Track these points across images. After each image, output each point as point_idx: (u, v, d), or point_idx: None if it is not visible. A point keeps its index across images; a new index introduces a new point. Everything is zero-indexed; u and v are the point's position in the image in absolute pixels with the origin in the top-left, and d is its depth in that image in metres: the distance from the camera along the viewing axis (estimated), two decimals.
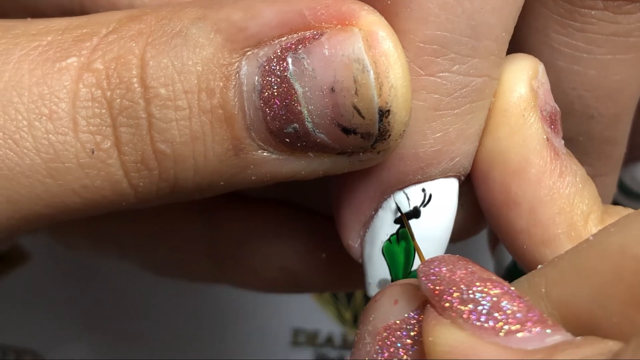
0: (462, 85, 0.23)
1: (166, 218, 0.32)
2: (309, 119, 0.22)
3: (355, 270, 0.26)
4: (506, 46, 0.23)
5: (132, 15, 0.23)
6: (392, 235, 0.24)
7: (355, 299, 0.47)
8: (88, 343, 0.47)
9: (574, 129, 0.27)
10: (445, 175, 0.24)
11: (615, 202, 0.40)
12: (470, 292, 0.19)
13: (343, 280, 0.32)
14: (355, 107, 0.21)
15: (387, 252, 0.25)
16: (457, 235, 0.26)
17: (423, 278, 0.20)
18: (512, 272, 0.32)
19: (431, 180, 0.24)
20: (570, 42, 0.25)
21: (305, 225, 0.32)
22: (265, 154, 0.22)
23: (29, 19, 0.24)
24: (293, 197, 0.32)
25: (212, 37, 0.22)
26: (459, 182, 0.25)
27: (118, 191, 0.22)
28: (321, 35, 0.21)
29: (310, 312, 0.48)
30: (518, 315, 0.18)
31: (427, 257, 0.24)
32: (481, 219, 0.26)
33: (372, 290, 0.26)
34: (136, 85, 0.22)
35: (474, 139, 0.24)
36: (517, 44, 0.25)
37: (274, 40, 0.21)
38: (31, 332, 0.46)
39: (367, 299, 0.42)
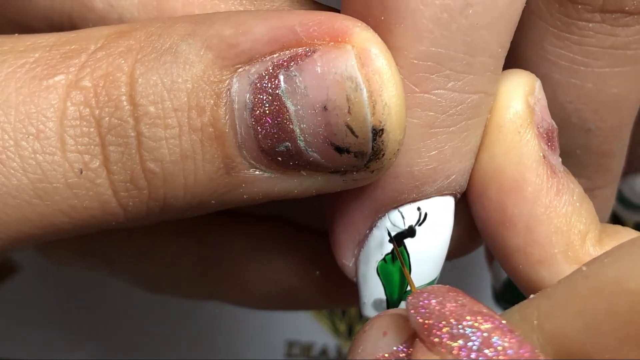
0: (457, 102, 0.22)
1: (156, 234, 0.32)
2: (301, 138, 0.22)
3: (351, 288, 0.26)
4: (502, 62, 0.23)
5: (121, 30, 0.23)
6: (387, 254, 0.24)
7: (350, 311, 0.47)
8: (79, 355, 0.47)
9: (571, 142, 0.27)
10: (440, 193, 0.24)
11: (613, 213, 0.40)
12: (460, 326, 0.19)
13: (338, 299, 0.32)
14: (348, 126, 0.21)
15: (382, 271, 0.25)
16: (453, 253, 0.26)
17: (412, 311, 0.19)
18: (509, 286, 0.32)
19: (427, 198, 0.24)
20: (567, 55, 0.25)
21: (299, 242, 0.32)
22: (257, 172, 0.22)
23: (17, 34, 0.23)
24: (287, 214, 0.32)
25: (203, 54, 0.22)
26: (455, 200, 0.24)
27: (107, 211, 0.22)
28: (313, 52, 0.21)
29: (305, 324, 0.48)
30: (509, 351, 0.18)
31: (423, 276, 0.24)
32: (477, 236, 0.26)
33: (367, 310, 0.25)
34: (125, 103, 0.22)
35: (470, 157, 0.24)
36: (513, 57, 0.25)
37: (265, 57, 0.21)
38: (21, 344, 0.46)
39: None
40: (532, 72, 0.25)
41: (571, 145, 0.27)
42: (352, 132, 0.21)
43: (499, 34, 0.22)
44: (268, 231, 0.32)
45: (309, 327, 0.48)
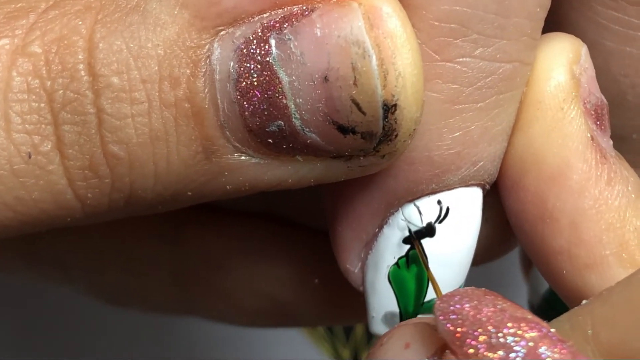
0: (486, 72, 0.23)
1: (121, 234, 0.32)
2: (297, 115, 0.22)
3: (356, 299, 0.26)
4: (541, 24, 0.23)
5: None
6: (400, 258, 0.24)
7: (355, 334, 0.47)
8: None
9: (626, 124, 0.27)
10: (466, 183, 0.24)
11: None
12: (500, 335, 0.19)
13: (340, 312, 0.32)
14: (353, 101, 0.21)
15: (395, 279, 0.25)
16: (481, 257, 0.26)
17: (441, 317, 0.19)
18: (551, 302, 0.32)
19: (449, 190, 0.24)
20: (622, 18, 0.25)
21: (293, 244, 0.32)
22: (242, 157, 0.22)
23: None
24: (278, 209, 0.32)
25: (177, 13, 0.22)
26: (483, 192, 0.25)
27: (61, 204, 0.22)
28: (312, 11, 0.21)
29: (302, 349, 0.48)
30: None
31: (444, 284, 0.24)
32: (510, 236, 0.26)
33: (377, 325, 0.26)
34: (83, 73, 0.22)
35: (501, 139, 0.24)
36: (556, 21, 0.25)
37: (253, 17, 0.21)
38: None
39: (369, 334, 0.42)
40: (580, 38, 0.25)
41: (626, 128, 0.27)
42: (359, 108, 0.21)
43: None
44: (256, 231, 0.32)
45: (307, 353, 0.48)
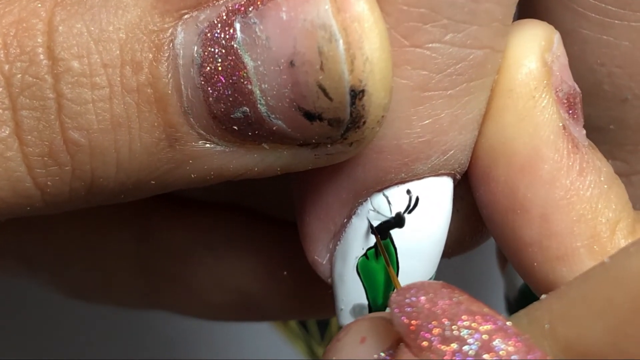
0: (457, 59, 0.23)
1: (85, 226, 0.32)
2: (262, 101, 0.22)
3: (325, 292, 0.27)
4: (513, 10, 0.23)
5: None
6: (369, 249, 0.25)
7: (330, 330, 0.47)
8: None
9: (603, 114, 0.27)
10: (436, 173, 0.24)
11: None
12: (454, 327, 0.19)
13: (309, 306, 0.32)
14: (320, 86, 0.21)
15: (363, 270, 0.25)
16: (452, 249, 0.26)
17: (396, 310, 0.20)
18: (527, 295, 0.32)
19: (418, 179, 0.24)
20: (599, 6, 0.25)
21: (261, 236, 0.32)
22: (207, 145, 0.22)
23: None
24: (246, 201, 0.32)
25: None
26: (454, 182, 0.25)
27: (20, 192, 0.22)
28: None
29: (275, 347, 0.48)
30: (514, 357, 0.18)
31: (413, 276, 0.24)
32: (482, 228, 0.26)
33: (345, 318, 0.26)
34: (42, 56, 0.22)
35: (472, 128, 0.24)
36: (530, 8, 0.26)
37: (218, 1, 0.21)
38: None
39: None
40: (556, 26, 0.25)
41: (603, 119, 0.27)
42: (325, 94, 0.21)
43: None
44: (223, 223, 0.32)
45: (280, 351, 0.48)
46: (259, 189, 0.30)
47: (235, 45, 0.21)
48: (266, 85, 0.22)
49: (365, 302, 0.25)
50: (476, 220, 0.26)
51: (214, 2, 0.22)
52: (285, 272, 0.31)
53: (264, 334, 0.47)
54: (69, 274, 0.33)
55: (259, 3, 0.21)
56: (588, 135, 0.26)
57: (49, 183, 0.22)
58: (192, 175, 0.23)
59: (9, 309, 0.47)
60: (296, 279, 0.31)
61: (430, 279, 0.25)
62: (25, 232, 0.32)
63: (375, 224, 0.24)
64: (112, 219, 0.32)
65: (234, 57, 0.22)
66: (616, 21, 0.26)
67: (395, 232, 0.24)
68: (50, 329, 0.47)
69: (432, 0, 0.22)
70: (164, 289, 0.33)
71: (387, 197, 0.24)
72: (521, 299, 0.32)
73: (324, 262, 0.26)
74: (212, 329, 0.47)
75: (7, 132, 0.22)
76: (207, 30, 0.22)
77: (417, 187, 0.24)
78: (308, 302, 0.32)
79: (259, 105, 0.22)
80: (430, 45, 0.22)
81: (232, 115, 0.22)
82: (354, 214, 0.25)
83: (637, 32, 0.26)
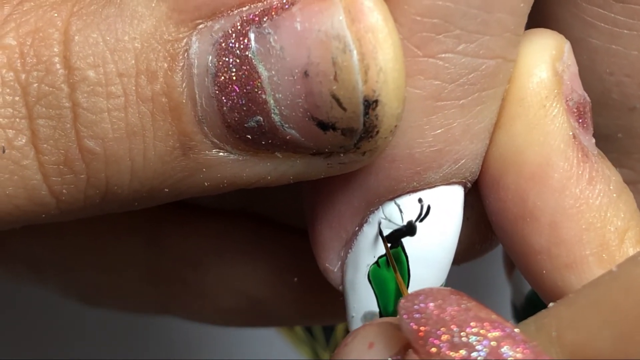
0: (469, 69, 0.23)
1: (95, 231, 0.32)
2: (276, 111, 0.22)
3: (336, 299, 0.27)
4: (525, 20, 0.24)
5: None
6: (381, 257, 0.25)
7: (335, 336, 0.48)
8: None
9: (611, 123, 0.27)
10: (447, 181, 0.24)
11: None
12: (463, 334, 0.19)
13: (320, 312, 0.32)
14: (334, 96, 0.22)
15: (375, 278, 0.25)
16: (462, 256, 0.26)
17: (405, 316, 0.20)
18: (534, 302, 0.32)
19: (430, 188, 0.24)
20: (608, 15, 0.26)
21: (272, 242, 0.32)
22: (221, 154, 0.23)
23: None
24: (257, 207, 0.33)
25: (155, 6, 0.22)
26: (465, 191, 0.25)
27: (35, 200, 0.23)
28: (292, 4, 0.21)
29: (280, 351, 0.48)
30: None
31: (424, 284, 0.24)
32: (491, 236, 0.26)
33: (356, 325, 0.26)
34: (58, 66, 0.22)
35: (483, 137, 0.24)
36: (540, 18, 0.26)
37: (232, 11, 0.22)
38: None
39: None
40: (565, 35, 0.25)
41: (611, 127, 0.28)
42: (339, 104, 0.22)
43: None
44: (234, 229, 0.32)
45: (285, 356, 0.48)
46: (269, 195, 0.30)
47: (249, 55, 0.22)
48: (280, 95, 0.22)
49: (377, 309, 0.25)
50: (485, 228, 0.26)
51: (229, 12, 0.22)
52: (295, 279, 0.31)
53: (269, 339, 0.48)
54: (79, 279, 0.34)
55: (273, 13, 0.22)
56: (596, 144, 0.26)
57: (64, 191, 0.23)
58: (206, 184, 0.23)
59: (12, 312, 0.47)
60: (306, 285, 0.31)
61: (441, 285, 0.25)
62: (35, 237, 0.32)
63: (386, 232, 0.24)
64: (122, 224, 0.32)
65: (248, 67, 0.22)
66: (625, 31, 0.26)
67: (406, 241, 0.24)
68: (50, 329, 0.47)
69: (445, 11, 0.22)
70: (174, 295, 0.33)
71: (399, 206, 0.24)
72: (528, 305, 0.33)
73: (336, 270, 0.26)
74: (216, 333, 0.47)
75: (24, 140, 0.22)
76: (221, 40, 0.22)
77: (429, 195, 0.24)
78: (318, 309, 0.32)
79: (272, 115, 0.22)
80: (443, 55, 0.23)
81: (245, 125, 0.22)
82: (366, 222, 0.25)
83: None
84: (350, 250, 0.25)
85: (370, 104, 0.22)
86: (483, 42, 0.23)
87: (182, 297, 0.33)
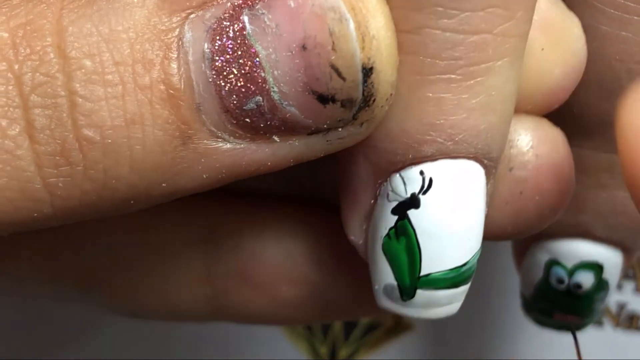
0: (450, 44, 0.22)
1: (147, 231, 0.31)
2: (275, 88, 0.22)
3: None
4: None
5: None
6: (390, 229, 0.24)
7: (332, 330, 0.47)
8: None
9: None
10: (448, 155, 0.24)
11: None
12: None
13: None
14: (333, 67, 0.21)
15: (388, 250, 0.25)
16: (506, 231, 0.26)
17: None
18: (543, 292, 0.32)
19: (431, 161, 0.24)
20: (618, 2, 0.25)
21: (331, 227, 0.30)
22: (219, 142, 0.22)
23: None
24: (311, 189, 0.32)
25: None
26: (484, 168, 0.24)
27: (29, 195, 0.22)
28: None
29: (278, 347, 0.47)
30: None
31: (433, 256, 0.24)
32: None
33: (380, 297, 0.25)
34: (52, 55, 0.21)
35: (483, 112, 0.23)
36: None
37: None
38: None
39: (346, 329, 0.41)
40: None
41: None
42: (339, 74, 0.21)
43: None
44: (291, 214, 0.31)
45: (284, 352, 0.47)
46: (325, 175, 0.29)
47: (245, 36, 0.21)
48: (279, 72, 0.21)
49: (394, 282, 0.25)
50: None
51: (218, 0, 0.22)
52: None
53: (265, 333, 0.47)
54: (131, 291, 0.32)
55: None
56: (606, 132, 0.26)
57: (59, 185, 0.22)
58: (204, 176, 0.23)
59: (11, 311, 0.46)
60: (364, 273, 0.28)
61: (466, 264, 0.25)
62: (84, 242, 0.31)
63: (393, 204, 0.24)
64: (175, 222, 0.31)
65: (245, 48, 0.21)
66: (635, 17, 0.25)
67: (412, 213, 0.24)
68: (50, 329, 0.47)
69: None
70: (231, 292, 0.32)
71: (402, 178, 0.24)
72: (537, 295, 0.32)
73: (360, 243, 0.26)
74: (212, 327, 0.46)
75: (17, 130, 0.22)
76: (215, 26, 0.22)
77: (430, 168, 0.24)
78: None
79: (272, 93, 0.22)
80: (423, 30, 0.22)
81: (244, 107, 0.22)
82: (379, 194, 0.25)
83: None
84: (370, 223, 0.25)
85: (367, 72, 0.22)
86: (463, 18, 0.22)
87: (240, 293, 0.32)
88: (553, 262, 0.31)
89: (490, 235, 0.25)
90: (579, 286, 0.31)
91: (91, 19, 0.22)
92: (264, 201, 0.31)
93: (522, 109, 0.25)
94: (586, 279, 0.31)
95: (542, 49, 0.24)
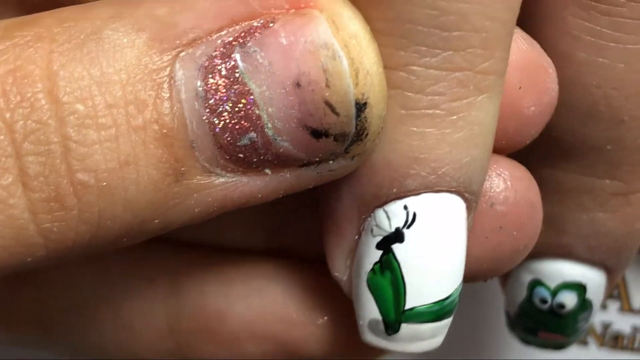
0: (433, 80, 0.23)
1: (110, 282, 0.30)
2: (269, 125, 0.22)
3: None
4: (497, 34, 0.23)
5: (22, 20, 0.22)
6: (375, 263, 0.24)
7: None
8: None
9: (601, 135, 0.27)
10: (431, 189, 0.24)
11: None
12: None
13: (355, 349, 0.30)
14: (327, 103, 0.21)
15: (373, 285, 0.25)
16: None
17: None
18: (526, 311, 0.33)
19: (415, 195, 0.24)
20: (594, 29, 0.26)
21: (298, 279, 0.30)
22: (211, 177, 0.22)
23: None
24: (279, 241, 0.31)
25: (135, 38, 0.22)
26: (466, 201, 0.24)
27: (23, 241, 0.22)
28: (273, 22, 0.22)
29: None
30: None
31: (422, 292, 0.24)
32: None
33: (364, 333, 0.25)
34: (43, 102, 0.21)
35: (466, 146, 0.24)
36: (528, 33, 0.25)
37: (211, 36, 0.22)
38: None
39: None
40: (551, 50, 0.25)
41: (600, 139, 0.27)
42: (332, 110, 0.22)
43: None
44: (259, 269, 0.31)
45: None
46: (293, 228, 0.29)
47: (237, 74, 0.22)
48: (273, 109, 0.22)
49: (379, 316, 0.25)
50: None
51: (208, 38, 0.22)
52: (325, 317, 0.30)
53: None
54: (93, 340, 0.32)
55: (255, 33, 0.21)
56: (586, 155, 0.27)
57: (54, 229, 0.22)
58: (196, 210, 0.23)
59: None
60: (337, 323, 0.29)
61: (449, 297, 0.25)
62: (47, 294, 0.31)
63: (378, 239, 0.24)
64: (139, 275, 0.31)
65: (238, 86, 0.22)
66: (611, 44, 0.26)
67: (396, 247, 0.24)
68: None
69: (404, 30, 0.22)
70: (196, 347, 0.31)
71: (386, 213, 0.24)
72: (521, 314, 0.32)
73: (345, 279, 0.26)
74: None
75: (10, 179, 0.21)
76: (206, 64, 0.22)
77: (414, 202, 0.24)
78: (352, 346, 0.30)
79: (266, 130, 0.22)
80: (407, 67, 0.23)
81: (238, 143, 0.22)
82: (363, 230, 0.25)
83: (632, 54, 0.26)
84: (354, 259, 0.25)
85: (361, 107, 0.22)
86: (445, 57, 0.23)
87: (205, 348, 0.31)
88: (536, 282, 0.31)
89: (467, 272, 0.25)
90: (562, 306, 0.31)
91: (82, 62, 0.22)
92: (230, 255, 0.31)
93: (497, 143, 0.25)
94: (569, 299, 0.31)
95: (520, 87, 0.25)
